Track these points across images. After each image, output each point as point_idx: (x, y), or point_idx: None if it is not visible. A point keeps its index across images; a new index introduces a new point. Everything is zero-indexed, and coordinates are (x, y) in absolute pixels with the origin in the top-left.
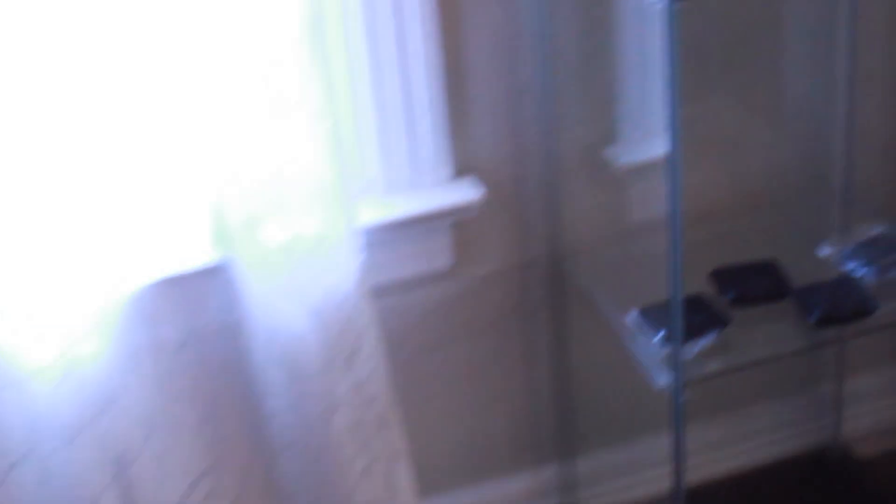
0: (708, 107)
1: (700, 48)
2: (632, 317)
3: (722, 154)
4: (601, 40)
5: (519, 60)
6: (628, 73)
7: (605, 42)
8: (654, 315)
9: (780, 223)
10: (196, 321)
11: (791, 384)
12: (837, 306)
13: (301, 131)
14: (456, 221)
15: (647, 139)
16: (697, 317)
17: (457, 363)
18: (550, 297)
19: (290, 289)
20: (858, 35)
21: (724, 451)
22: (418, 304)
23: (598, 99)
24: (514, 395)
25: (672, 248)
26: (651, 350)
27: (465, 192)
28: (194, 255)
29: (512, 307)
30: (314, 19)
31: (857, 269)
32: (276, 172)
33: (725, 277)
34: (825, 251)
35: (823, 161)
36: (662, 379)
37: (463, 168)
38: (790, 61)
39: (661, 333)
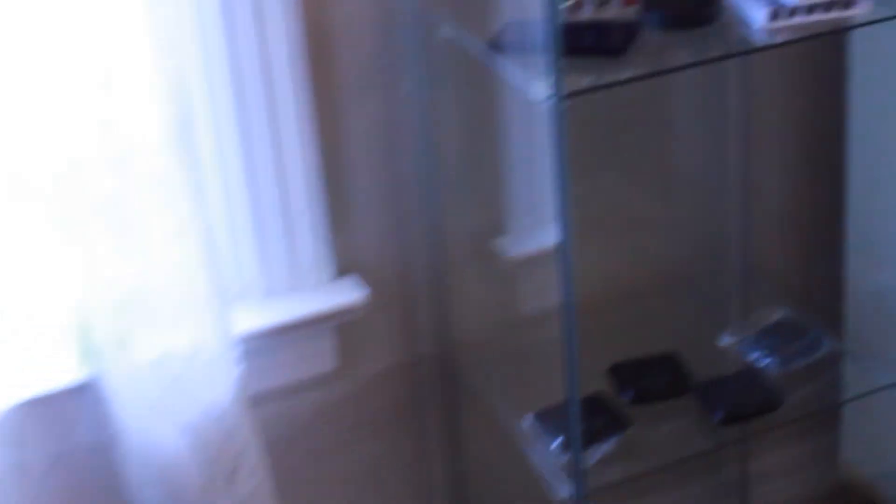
0: (599, 191)
1: (590, 132)
2: (527, 421)
3: (615, 239)
4: (486, 131)
5: (400, 153)
6: (515, 163)
7: (491, 133)
8: (551, 419)
9: (678, 309)
10: (65, 443)
11: (695, 469)
12: (741, 403)
13: (169, 238)
14: (340, 323)
15: (537, 228)
16: (596, 420)
17: (347, 468)
18: (442, 397)
19: (164, 406)
20: (751, 114)
21: None
22: (304, 409)
23: (486, 190)
24: (408, 499)
25: (567, 347)
26: (549, 457)
27: (348, 293)
28: (60, 374)
29: (402, 408)
30: (182, 120)
31: (760, 360)
32: (144, 283)
33: (624, 373)
34: (726, 340)
35: (720, 243)
36: (563, 489)
37: (345, 267)
38: (682, 142)
39: (559, 440)
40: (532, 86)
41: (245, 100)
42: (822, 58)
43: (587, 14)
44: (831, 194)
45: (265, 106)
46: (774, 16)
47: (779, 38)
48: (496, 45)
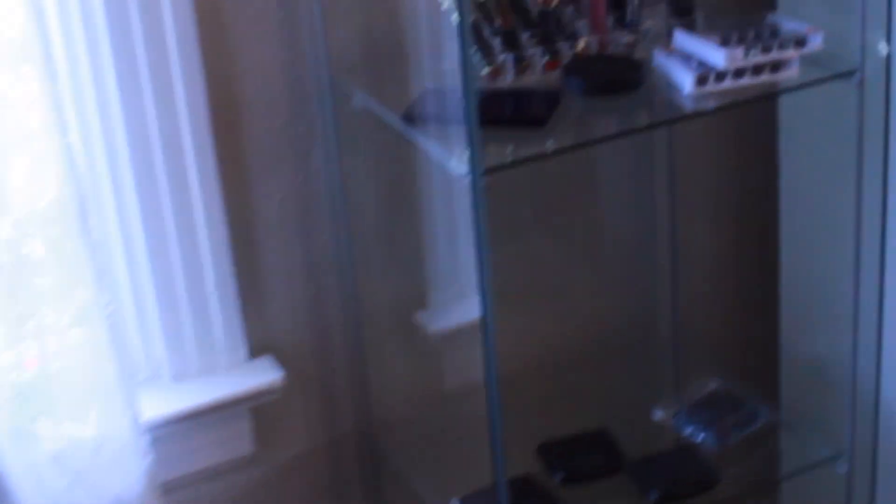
0: (526, 259)
1: (514, 198)
2: None
3: (543, 309)
4: (404, 202)
5: (315, 226)
6: (435, 235)
7: (409, 204)
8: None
9: (609, 379)
10: None
11: None
12: (677, 481)
13: (71, 323)
14: (255, 405)
15: (459, 302)
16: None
17: None
18: (364, 480)
19: (69, 500)
20: (679, 177)
21: None
22: (221, 496)
23: (405, 263)
24: None
25: (492, 427)
26: None
27: (263, 374)
28: None
29: (323, 490)
30: (80, 200)
31: (696, 434)
32: (45, 370)
33: (554, 452)
34: (659, 414)
35: (651, 311)
36: None
37: (260, 346)
38: (610, 207)
39: None
40: (450, 160)
41: (149, 176)
42: (751, 119)
43: (507, 81)
44: (763, 259)
45: (170, 181)
46: (702, 81)
47: (708, 105)
48: (412, 116)
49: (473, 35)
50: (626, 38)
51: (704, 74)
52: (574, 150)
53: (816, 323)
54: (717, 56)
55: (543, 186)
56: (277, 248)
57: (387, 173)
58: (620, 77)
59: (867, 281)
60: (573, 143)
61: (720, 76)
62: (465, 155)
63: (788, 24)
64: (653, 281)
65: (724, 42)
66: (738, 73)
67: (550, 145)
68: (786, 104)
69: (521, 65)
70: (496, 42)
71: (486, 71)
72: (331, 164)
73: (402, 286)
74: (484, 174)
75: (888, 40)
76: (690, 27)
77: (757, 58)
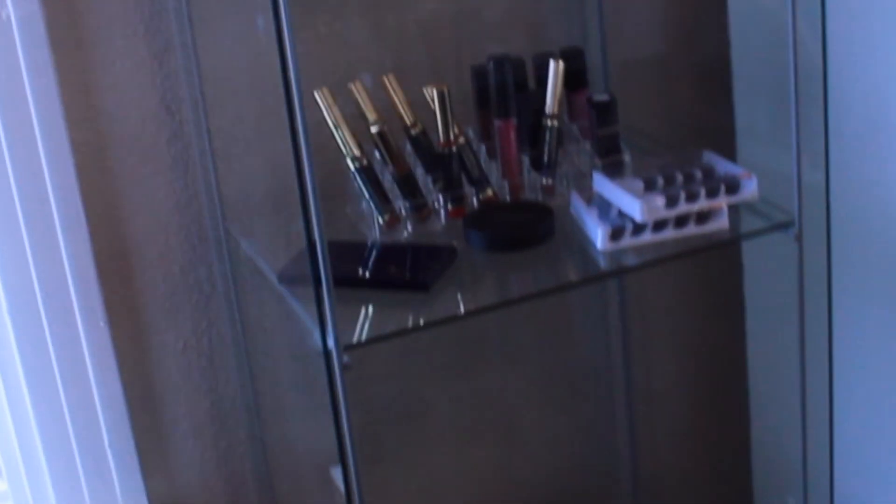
0: (482, 401)
1: (469, 340)
2: None
3: (500, 454)
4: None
5: (221, 378)
6: None
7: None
8: None
9: None
10: None
11: None
12: None
13: None
14: None
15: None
16: None
17: None
18: None
19: None
20: (630, 323)
21: None
22: None
23: (317, 415)
24: None
25: None
26: None
27: None
28: None
29: None
30: None
31: None
32: None
33: None
34: None
35: (609, 461)
36: None
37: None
38: (565, 352)
39: None
40: (314, 331)
41: (34, 330)
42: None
43: (407, 231)
44: (730, 408)
45: (55, 336)
46: (616, 236)
47: (628, 260)
48: (287, 276)
49: (368, 181)
50: (542, 181)
51: (619, 228)
52: (445, 324)
53: (787, 479)
54: (633, 207)
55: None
56: (181, 399)
57: (284, 325)
58: (526, 231)
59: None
60: (446, 315)
61: (638, 228)
62: (322, 330)
63: (724, 166)
64: (611, 424)
65: (648, 187)
66: (659, 224)
67: (426, 314)
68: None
69: (422, 213)
70: (394, 188)
71: (383, 219)
72: (233, 310)
73: (315, 438)
74: (344, 349)
75: (826, 185)
76: (617, 168)
77: (680, 208)
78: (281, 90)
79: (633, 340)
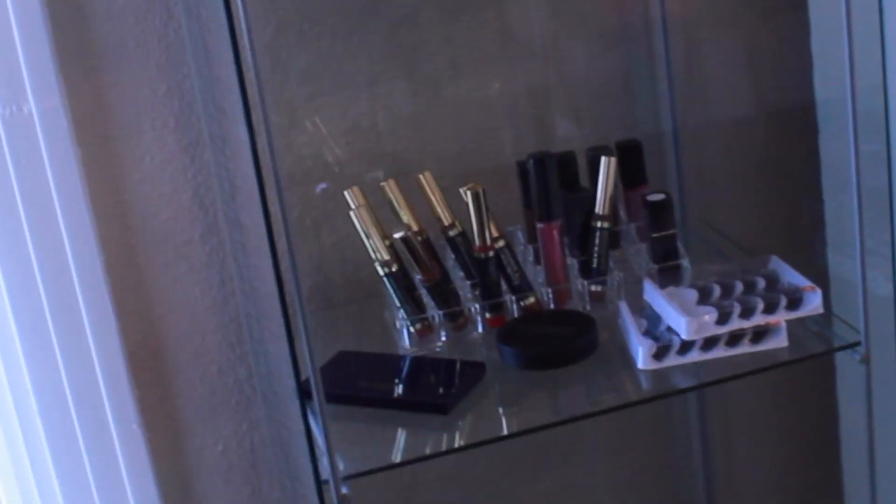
0: None
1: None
2: None
3: None
4: None
5: (264, 479)
6: None
7: None
8: None
9: None
10: None
11: None
12: None
13: None
14: None
15: None
16: None
17: None
18: None
19: None
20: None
21: None
22: None
23: None
24: None
25: None
26: None
27: None
28: None
29: None
30: None
31: None
32: None
33: None
34: None
35: None
36: None
37: None
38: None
39: None
40: (322, 456)
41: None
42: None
43: (441, 340)
44: None
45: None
46: (660, 354)
47: (667, 385)
48: (304, 388)
49: (399, 287)
50: (591, 287)
51: (664, 346)
52: (452, 453)
53: None
54: (679, 323)
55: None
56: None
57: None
58: (563, 346)
59: None
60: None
61: (685, 346)
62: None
63: (789, 275)
64: None
65: (702, 298)
66: (709, 342)
67: (431, 445)
68: None
69: (458, 321)
70: (427, 296)
71: (413, 329)
72: (274, 412)
73: None
74: (344, 478)
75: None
76: (673, 274)
77: (733, 324)
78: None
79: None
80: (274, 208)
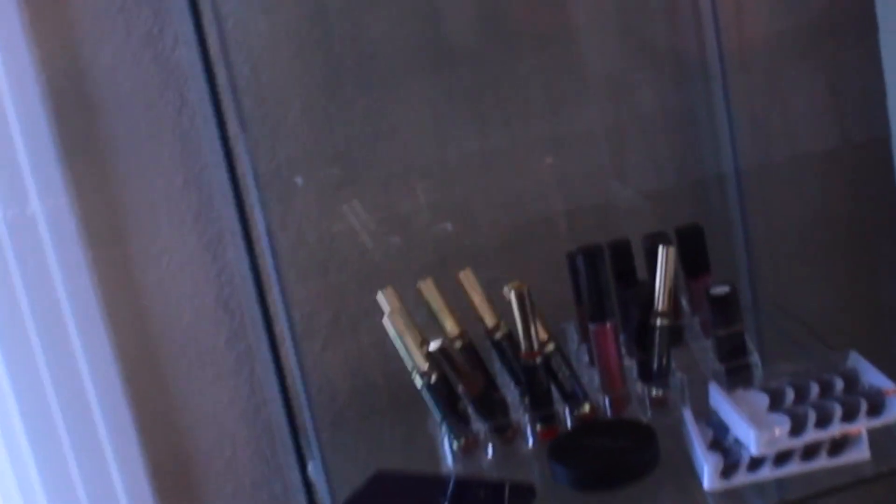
0: None
1: None
2: None
3: None
4: None
5: None
6: None
7: None
8: None
9: None
10: None
11: None
12: None
13: None
14: None
15: None
16: None
17: None
18: None
19: None
20: None
21: None
22: None
23: None
24: None
25: None
26: None
27: None
28: None
29: None
30: None
31: None
32: None
33: None
34: None
35: None
36: None
37: None
38: None
39: None
40: None
41: None
42: None
43: (486, 457)
44: None
45: None
46: (728, 472)
47: None
48: None
49: (440, 400)
50: (651, 392)
51: (733, 462)
52: None
53: None
54: (748, 436)
55: None
56: None
57: None
58: (620, 463)
59: None
60: None
61: (756, 462)
62: None
63: (870, 375)
64: None
65: (774, 403)
66: (782, 456)
67: None
68: None
69: (506, 434)
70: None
71: (457, 445)
72: None
73: None
74: None
75: None
76: (742, 374)
77: (808, 436)
78: None
79: None
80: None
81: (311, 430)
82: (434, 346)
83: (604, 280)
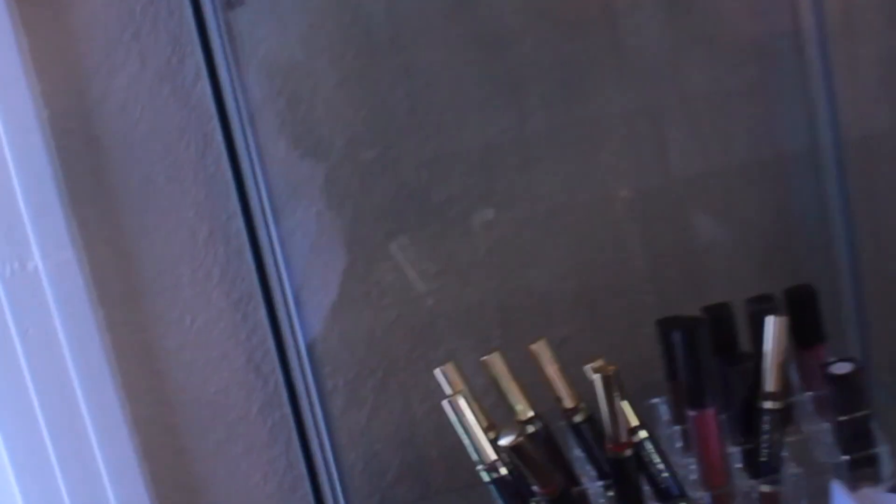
0: None
1: None
2: None
3: None
4: None
5: None
6: None
7: None
8: None
9: None
10: None
11: None
12: None
13: None
14: None
15: None
16: None
17: None
18: None
19: None
20: None
21: None
22: None
23: None
24: None
25: None
26: None
27: None
28: None
29: None
30: None
31: None
32: None
33: None
34: None
35: None
36: None
37: None
38: None
39: None
40: None
41: None
42: None
43: None
44: None
45: None
46: None
47: None
48: None
49: (509, 499)
50: (759, 488)
51: None
52: None
53: None
54: None
55: None
56: None
57: None
58: None
59: None
60: None
61: None
62: None
63: None
64: None
65: None
66: None
67: None
68: None
69: None
70: None
71: None
72: None
73: None
74: None
75: None
76: (868, 467)
77: None
78: None
79: None
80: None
81: None
82: (506, 440)
83: (705, 360)
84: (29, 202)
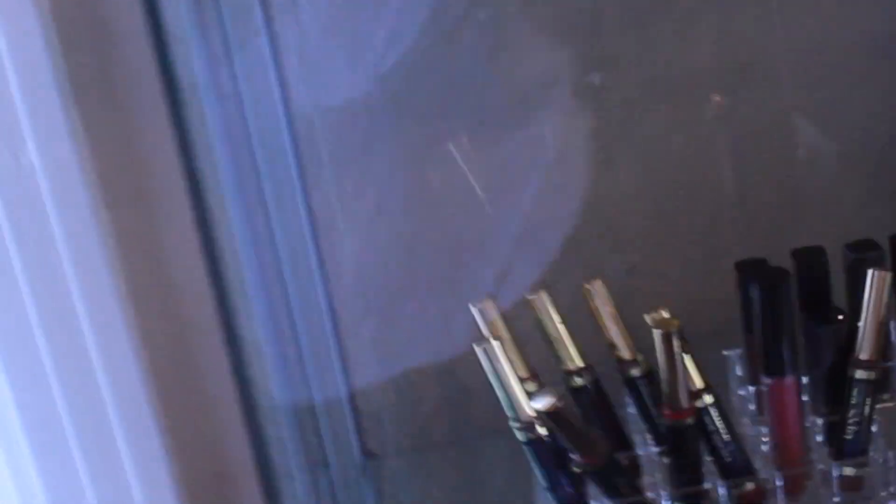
0: None
1: None
2: None
3: None
4: None
5: None
6: None
7: None
8: None
9: None
10: None
11: None
12: None
13: None
14: None
15: None
16: None
17: None
18: None
19: None
20: None
21: None
22: None
23: None
24: None
25: None
26: None
27: None
28: None
29: None
30: None
31: None
32: None
33: None
34: None
35: None
36: None
37: None
38: None
39: None
40: None
41: None
42: None
43: None
44: None
45: None
46: None
47: None
48: None
49: (544, 462)
50: (842, 470)
51: None
52: None
53: None
54: None
55: None
56: None
57: None
58: None
59: None
60: None
61: None
62: None
63: None
64: None
65: None
66: None
67: None
68: None
69: None
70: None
71: None
72: None
73: None
74: None
75: None
76: None
77: None
78: None
79: None
80: None
81: None
82: (542, 402)
83: (787, 322)
84: (23, 89)
